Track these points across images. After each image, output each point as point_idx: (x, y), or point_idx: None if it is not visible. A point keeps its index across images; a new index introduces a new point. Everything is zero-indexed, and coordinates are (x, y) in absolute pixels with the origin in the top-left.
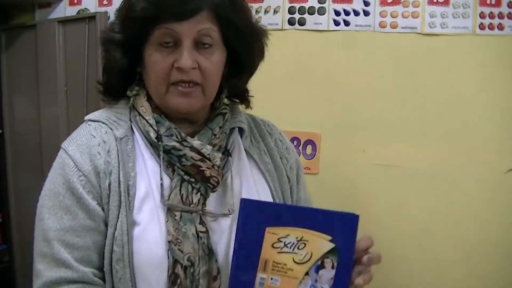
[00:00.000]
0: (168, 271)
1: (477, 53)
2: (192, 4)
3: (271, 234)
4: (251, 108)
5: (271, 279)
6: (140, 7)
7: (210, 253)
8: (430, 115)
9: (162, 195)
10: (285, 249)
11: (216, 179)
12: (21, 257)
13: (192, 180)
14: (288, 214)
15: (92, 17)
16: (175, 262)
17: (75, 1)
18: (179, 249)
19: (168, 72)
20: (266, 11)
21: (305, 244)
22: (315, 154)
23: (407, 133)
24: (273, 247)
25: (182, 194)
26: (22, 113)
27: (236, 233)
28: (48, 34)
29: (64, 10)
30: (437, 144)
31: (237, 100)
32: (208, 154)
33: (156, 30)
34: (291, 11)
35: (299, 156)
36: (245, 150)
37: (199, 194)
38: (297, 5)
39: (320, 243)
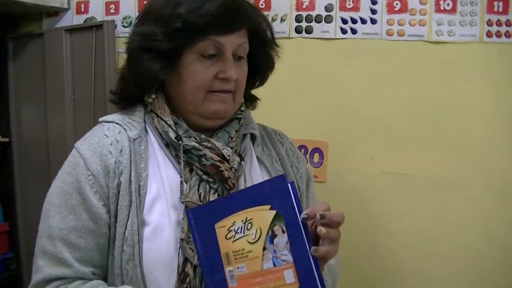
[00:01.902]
0: (178, 270)
1: (484, 60)
2: (238, 19)
3: (221, 228)
4: (253, 109)
5: (238, 268)
6: (191, 18)
7: None
8: (437, 123)
9: (181, 192)
10: (237, 236)
11: (233, 181)
12: (29, 265)
13: (211, 180)
14: (226, 205)
15: (99, 26)
16: (186, 260)
17: (82, 10)
18: (190, 248)
19: (210, 81)
20: (273, 20)
21: (251, 223)
22: (322, 162)
23: (414, 141)
24: (227, 239)
25: (200, 193)
26: (29, 122)
27: (194, 242)
28: (56, 43)
29: (71, 18)
30: (444, 152)
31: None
32: (229, 156)
33: (200, 41)
34: (298, 19)
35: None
36: (256, 157)
37: (216, 194)
38: (304, 13)
39: (263, 215)
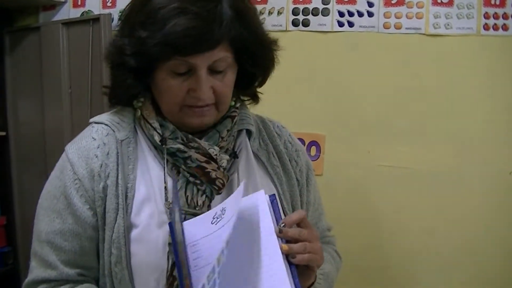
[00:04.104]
0: (167, 273)
1: (481, 53)
2: (209, 41)
3: None
4: (256, 103)
5: None
6: (156, 43)
7: None
8: (434, 116)
9: (166, 198)
10: None
11: (221, 181)
12: (26, 259)
13: (198, 182)
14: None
15: (96, 19)
16: (174, 264)
17: (79, 3)
18: None
19: (183, 97)
20: (270, 13)
21: None
22: (319, 155)
23: (412, 134)
24: None
25: (187, 196)
26: (26, 116)
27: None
28: (52, 36)
29: (68, 12)
30: (442, 145)
31: (246, 99)
32: (216, 155)
33: (171, 60)
34: (295, 12)
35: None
36: (253, 152)
37: (204, 196)
38: (301, 6)
39: None
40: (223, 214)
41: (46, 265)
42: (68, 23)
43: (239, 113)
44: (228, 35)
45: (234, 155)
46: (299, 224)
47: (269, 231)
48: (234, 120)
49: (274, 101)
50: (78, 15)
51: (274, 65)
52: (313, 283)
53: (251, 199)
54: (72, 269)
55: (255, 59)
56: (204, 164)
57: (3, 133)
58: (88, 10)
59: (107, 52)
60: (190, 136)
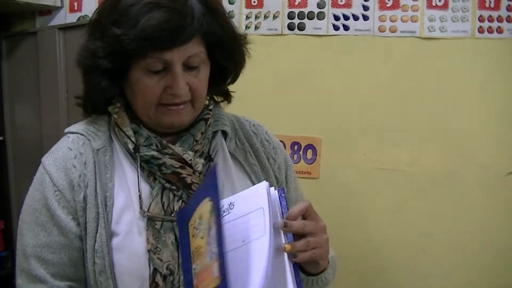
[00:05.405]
0: (149, 280)
1: (476, 56)
2: (184, 34)
3: (191, 227)
4: (229, 102)
5: (197, 265)
6: (132, 38)
7: None
8: (430, 119)
9: (141, 206)
10: (196, 232)
11: (198, 185)
12: None
13: (174, 188)
14: (194, 201)
15: None
16: (155, 271)
17: (76, 8)
18: (158, 258)
19: (159, 96)
20: (265, 17)
21: (202, 218)
22: (315, 159)
23: (408, 137)
24: (193, 237)
25: (164, 202)
26: (23, 120)
27: (179, 245)
28: (49, 41)
29: (65, 17)
30: (437, 148)
31: (219, 99)
32: (190, 160)
33: (145, 58)
34: (290, 16)
35: (300, 161)
36: (229, 153)
37: (180, 201)
38: (296, 10)
39: (206, 208)
40: (230, 209)
41: (35, 280)
42: (65, 28)
43: (213, 114)
44: (201, 29)
45: (209, 158)
46: (304, 215)
47: (270, 226)
48: (208, 122)
49: (270, 104)
50: (75, 20)
51: (245, 59)
52: (325, 269)
53: (252, 191)
54: (62, 282)
55: (227, 53)
56: (179, 170)
57: (0, 138)
58: (85, 15)
59: (80, 58)
60: (164, 142)
